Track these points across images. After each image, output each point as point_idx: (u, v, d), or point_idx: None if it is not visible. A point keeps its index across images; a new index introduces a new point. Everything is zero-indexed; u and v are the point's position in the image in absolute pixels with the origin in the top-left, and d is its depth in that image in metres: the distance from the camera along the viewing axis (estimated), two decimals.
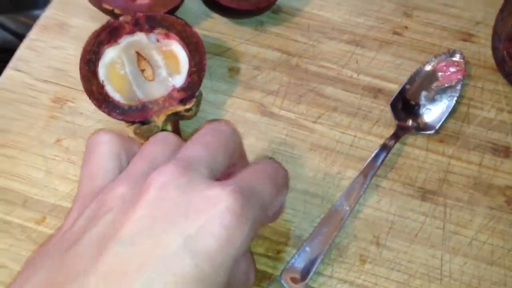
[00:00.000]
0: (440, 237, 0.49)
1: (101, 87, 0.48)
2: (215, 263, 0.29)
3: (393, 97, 0.56)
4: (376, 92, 0.57)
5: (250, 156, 0.50)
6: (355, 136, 0.54)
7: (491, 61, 0.59)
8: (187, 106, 0.49)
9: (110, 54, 0.50)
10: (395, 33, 0.62)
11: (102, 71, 0.49)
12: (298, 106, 0.56)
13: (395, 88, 0.57)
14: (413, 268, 0.48)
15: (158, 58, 0.50)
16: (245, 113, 0.55)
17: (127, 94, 0.49)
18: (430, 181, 0.52)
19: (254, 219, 0.31)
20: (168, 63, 0.51)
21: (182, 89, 0.50)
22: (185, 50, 0.51)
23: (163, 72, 0.50)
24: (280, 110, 0.56)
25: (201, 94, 0.52)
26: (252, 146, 0.53)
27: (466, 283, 0.47)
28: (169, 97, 0.49)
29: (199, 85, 0.51)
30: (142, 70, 0.50)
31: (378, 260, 0.48)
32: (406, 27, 0.62)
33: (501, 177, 0.52)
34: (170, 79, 0.50)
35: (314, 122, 0.55)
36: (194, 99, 0.50)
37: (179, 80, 0.50)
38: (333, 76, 0.58)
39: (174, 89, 0.50)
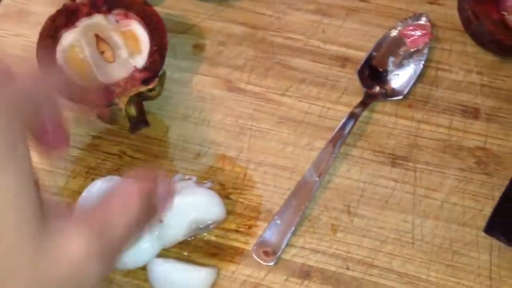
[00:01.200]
0: (411, 202, 0.49)
1: (60, 71, 0.48)
2: None
3: (360, 64, 0.55)
4: (343, 60, 0.57)
5: (220, 133, 0.50)
6: (323, 106, 0.54)
7: (458, 23, 0.58)
8: (150, 86, 0.49)
9: (68, 38, 0.49)
10: (361, 0, 0.61)
11: (60, 56, 0.48)
12: (265, 80, 0.55)
13: (363, 56, 0.56)
14: (385, 234, 0.48)
15: (117, 39, 0.50)
16: (212, 90, 0.55)
17: (88, 78, 0.48)
18: (400, 147, 0.52)
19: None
20: (128, 44, 0.50)
21: (144, 69, 0.49)
22: (145, 30, 0.51)
23: (123, 53, 0.50)
24: (247, 85, 0.55)
25: (164, 73, 0.51)
26: (220, 122, 0.53)
27: (438, 245, 0.47)
28: (131, 78, 0.49)
29: (162, 64, 0.50)
30: (102, 52, 0.50)
31: (350, 228, 0.48)
32: None
33: (471, 138, 0.52)
34: (131, 60, 0.50)
35: (282, 95, 0.55)
36: (157, 79, 0.49)
37: (141, 60, 0.50)
38: (300, 47, 0.57)
39: (135, 69, 0.49)
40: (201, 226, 0.46)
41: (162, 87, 0.51)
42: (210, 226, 0.47)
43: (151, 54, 0.50)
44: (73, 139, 0.52)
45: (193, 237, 0.47)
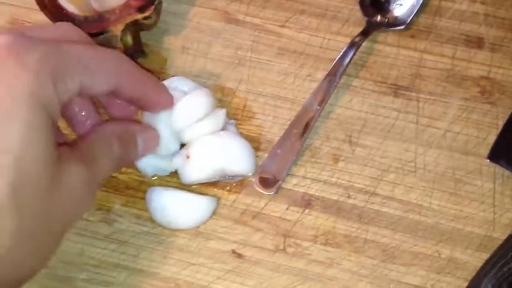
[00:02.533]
0: (413, 131, 0.49)
1: None
2: None
3: None
4: None
5: (218, 65, 0.49)
6: (324, 37, 0.53)
7: None
8: (146, 14, 0.47)
9: None
10: None
11: None
12: (264, 11, 0.54)
13: None
14: (387, 163, 0.47)
15: None
16: (210, 22, 0.54)
17: (82, 5, 0.47)
18: (402, 77, 0.51)
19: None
20: None
21: None
22: None
23: None
24: (245, 17, 0.54)
25: (160, 2, 0.50)
26: (219, 54, 0.52)
27: (441, 174, 0.47)
28: (126, 5, 0.47)
29: None
30: None
31: (351, 158, 0.48)
32: None
33: (475, 68, 0.51)
34: None
35: (282, 26, 0.54)
36: (153, 7, 0.48)
37: None
38: None
39: None
40: (227, 177, 0.45)
41: (159, 16, 0.50)
42: (236, 178, 0.46)
43: None
44: None
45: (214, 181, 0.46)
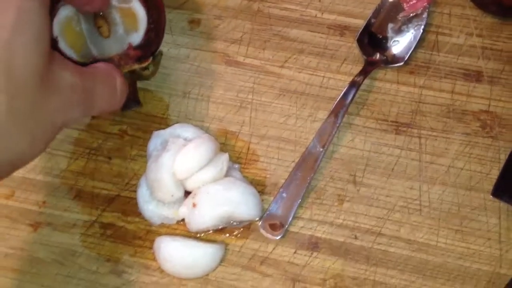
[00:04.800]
0: (417, 169, 0.49)
1: (55, 42, 0.47)
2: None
3: (359, 32, 0.54)
4: (342, 29, 0.56)
5: (220, 108, 0.49)
6: (324, 76, 0.53)
7: None
8: (143, 65, 0.48)
9: (65, 10, 0.48)
10: None
11: (56, 28, 0.47)
12: (264, 52, 0.55)
13: (361, 23, 0.56)
14: (392, 202, 0.48)
15: (116, 15, 0.48)
16: (210, 65, 0.54)
17: (82, 51, 0.47)
18: (403, 114, 0.51)
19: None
20: (126, 21, 0.49)
21: (139, 47, 0.48)
22: (144, 7, 0.49)
23: (120, 30, 0.48)
24: (245, 58, 0.54)
25: (161, 53, 0.50)
26: (221, 97, 0.52)
27: (446, 211, 0.47)
28: (125, 55, 0.48)
29: (158, 43, 0.49)
30: (99, 27, 0.48)
31: (356, 198, 0.48)
32: None
33: (474, 102, 0.52)
34: (127, 36, 0.49)
35: (281, 66, 0.54)
36: (151, 58, 0.48)
37: (136, 38, 0.49)
38: (297, 18, 0.57)
39: (130, 46, 0.48)
40: (233, 222, 0.46)
41: (157, 67, 0.50)
42: (242, 223, 0.46)
43: (147, 32, 0.49)
44: None
45: (222, 228, 0.47)
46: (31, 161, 0.36)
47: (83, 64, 0.44)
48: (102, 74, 0.41)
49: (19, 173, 0.49)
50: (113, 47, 0.48)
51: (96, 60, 0.46)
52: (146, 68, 0.48)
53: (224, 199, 0.45)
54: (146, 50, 0.48)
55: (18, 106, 0.32)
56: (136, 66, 0.47)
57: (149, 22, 0.48)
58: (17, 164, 0.35)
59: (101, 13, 0.48)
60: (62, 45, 0.46)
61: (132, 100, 0.48)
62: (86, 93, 0.38)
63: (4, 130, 0.32)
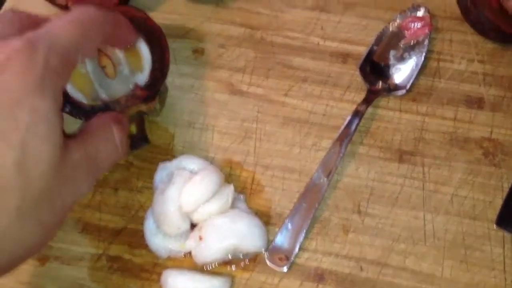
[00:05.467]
0: (421, 198, 0.49)
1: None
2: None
3: (361, 60, 0.55)
4: (344, 56, 0.56)
5: (225, 138, 0.50)
6: (327, 105, 0.54)
7: (457, 12, 0.58)
8: (150, 105, 0.48)
9: None
10: None
11: None
12: (267, 81, 0.55)
13: (364, 50, 0.56)
14: (397, 232, 0.48)
15: (120, 55, 0.49)
16: (215, 94, 0.55)
17: (90, 94, 0.48)
18: (406, 142, 0.52)
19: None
20: (130, 60, 0.49)
21: (145, 87, 0.49)
22: (147, 46, 0.50)
23: (125, 70, 0.49)
24: (249, 87, 0.55)
25: (166, 89, 0.51)
26: (225, 127, 0.53)
27: (450, 241, 0.48)
28: (131, 96, 0.48)
29: (163, 81, 0.49)
30: (103, 67, 0.49)
31: (361, 228, 0.48)
32: None
33: (477, 129, 0.52)
34: (132, 76, 0.49)
35: (285, 95, 0.55)
36: (157, 97, 0.49)
37: (142, 77, 0.49)
38: (300, 46, 0.57)
39: (137, 87, 0.48)
40: (240, 254, 0.46)
41: (163, 104, 0.51)
42: (248, 255, 0.47)
43: (152, 71, 0.49)
44: None
45: (228, 260, 0.47)
46: (42, 249, 0.36)
47: (94, 107, 0.45)
48: (100, 130, 0.41)
49: None
50: (119, 88, 0.48)
51: (105, 103, 0.47)
52: (153, 107, 0.48)
53: (230, 232, 0.45)
54: (152, 89, 0.48)
55: (31, 201, 0.33)
56: (144, 107, 0.48)
57: (153, 61, 0.48)
58: (28, 255, 0.36)
59: (105, 53, 0.48)
60: (71, 90, 0.47)
61: (141, 138, 0.49)
62: (90, 160, 0.38)
63: (17, 226, 0.33)
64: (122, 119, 0.43)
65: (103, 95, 0.47)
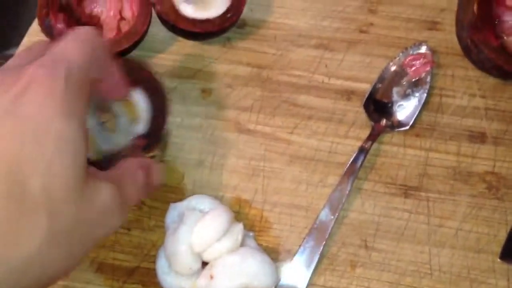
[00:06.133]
0: (426, 232, 0.50)
1: None
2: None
3: (365, 98, 0.56)
4: (349, 94, 0.58)
5: (234, 177, 0.51)
6: (332, 142, 0.55)
7: (459, 48, 0.59)
8: (151, 154, 0.50)
9: None
10: (361, 31, 0.62)
11: None
12: (274, 119, 0.57)
13: (367, 87, 0.58)
14: (403, 267, 0.49)
15: (118, 108, 0.50)
16: (223, 133, 0.56)
17: (93, 148, 0.49)
18: (410, 177, 0.53)
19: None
20: (129, 111, 0.50)
21: (145, 136, 0.50)
22: (144, 95, 0.51)
23: (123, 121, 0.50)
24: (256, 126, 0.56)
25: (167, 134, 0.52)
26: (233, 165, 0.54)
27: (456, 274, 0.49)
28: (132, 146, 0.49)
29: (162, 129, 0.51)
30: (103, 122, 0.50)
31: (368, 263, 0.49)
32: (372, 24, 0.63)
33: (480, 163, 0.53)
34: (131, 126, 0.50)
35: (291, 133, 0.56)
36: (157, 145, 0.50)
37: (141, 126, 0.50)
38: (305, 84, 0.59)
39: (137, 137, 0.50)
40: None
41: (164, 151, 0.53)
42: None
43: (151, 120, 0.50)
44: None
45: None
46: (66, 277, 0.36)
47: (99, 162, 0.46)
48: (131, 173, 0.41)
49: None
50: (120, 140, 0.49)
51: (108, 155, 0.48)
52: (153, 155, 0.50)
53: (241, 270, 0.46)
54: (152, 138, 0.50)
55: (58, 229, 0.33)
56: (144, 156, 0.49)
57: (152, 109, 0.50)
58: (51, 282, 0.36)
59: (103, 108, 0.49)
60: None
61: None
62: (121, 198, 0.39)
63: (45, 250, 0.33)
64: (149, 164, 0.44)
65: (106, 148, 0.49)
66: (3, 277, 0.32)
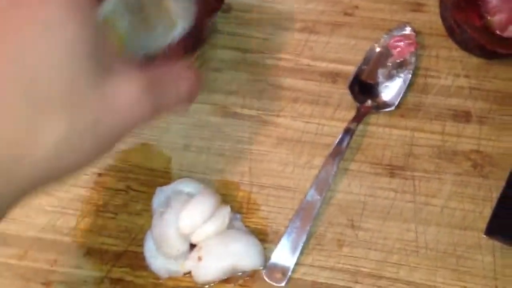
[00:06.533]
0: (412, 210, 0.51)
1: None
2: None
3: (350, 80, 0.56)
4: (334, 76, 0.58)
5: (221, 160, 0.51)
6: (318, 123, 0.55)
7: (443, 28, 0.59)
8: (192, 55, 0.51)
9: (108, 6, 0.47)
10: (346, 14, 0.62)
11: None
12: (260, 102, 0.57)
13: (352, 69, 0.58)
14: (389, 245, 0.49)
15: (159, 6, 0.49)
16: (209, 117, 0.56)
17: (131, 48, 0.47)
18: (396, 157, 0.53)
19: None
20: (169, 11, 0.49)
21: (186, 37, 0.49)
22: None
23: (163, 22, 0.49)
24: (242, 109, 0.57)
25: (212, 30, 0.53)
26: (220, 149, 0.55)
27: (442, 251, 0.49)
28: (171, 47, 0.48)
29: (204, 27, 0.51)
30: (142, 20, 0.48)
31: (355, 242, 0.50)
32: (357, 7, 0.63)
33: (465, 142, 0.54)
34: (171, 28, 0.49)
35: (277, 116, 0.56)
36: (200, 46, 0.51)
37: (181, 28, 0.49)
38: (291, 67, 0.59)
39: (176, 38, 0.49)
40: (238, 272, 0.48)
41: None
42: (247, 272, 0.48)
43: (194, 20, 0.50)
44: (77, 178, 0.53)
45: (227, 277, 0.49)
46: (86, 167, 0.35)
47: (137, 62, 0.44)
48: (170, 77, 0.39)
49: (31, 233, 0.51)
50: (158, 40, 0.48)
51: (147, 55, 0.47)
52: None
53: (228, 252, 0.47)
54: (192, 40, 0.49)
55: (78, 120, 0.32)
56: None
57: (193, 10, 0.49)
58: (68, 173, 0.34)
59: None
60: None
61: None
62: (154, 98, 0.36)
63: (64, 148, 0.32)
64: (189, 72, 0.41)
65: (143, 48, 0.47)
66: (26, 173, 0.32)
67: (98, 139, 0.34)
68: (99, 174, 0.54)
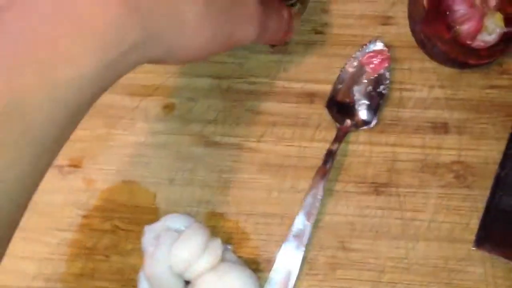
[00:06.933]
0: (400, 227, 0.51)
1: None
2: None
3: (327, 100, 0.57)
4: (310, 96, 0.58)
5: (206, 191, 0.51)
6: (299, 146, 0.56)
7: (413, 40, 0.60)
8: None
9: None
10: (316, 32, 0.62)
11: None
12: (239, 129, 0.57)
13: (328, 88, 0.58)
14: (381, 264, 0.50)
15: None
16: (190, 148, 0.56)
17: None
18: (379, 174, 0.54)
19: None
20: None
21: None
22: None
23: None
24: (222, 138, 0.56)
25: None
26: (204, 179, 0.54)
27: (433, 266, 0.50)
28: None
29: None
30: None
31: (347, 264, 0.50)
32: (326, 24, 0.63)
33: (446, 153, 0.54)
34: None
35: (258, 141, 0.56)
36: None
37: None
38: (266, 91, 0.59)
39: None
40: None
41: (306, 6, 0.56)
42: None
43: None
44: (62, 222, 0.52)
45: None
46: (197, 58, 0.41)
47: None
48: (275, 7, 0.46)
49: (23, 284, 0.50)
50: None
51: None
52: (293, 4, 0.51)
53: (223, 287, 0.46)
54: None
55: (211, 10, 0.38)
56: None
57: None
58: (189, 56, 0.40)
59: None
60: None
61: None
62: (264, 18, 0.43)
63: (201, 18, 0.37)
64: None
65: None
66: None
67: (226, 28, 0.40)
68: (84, 216, 0.53)
